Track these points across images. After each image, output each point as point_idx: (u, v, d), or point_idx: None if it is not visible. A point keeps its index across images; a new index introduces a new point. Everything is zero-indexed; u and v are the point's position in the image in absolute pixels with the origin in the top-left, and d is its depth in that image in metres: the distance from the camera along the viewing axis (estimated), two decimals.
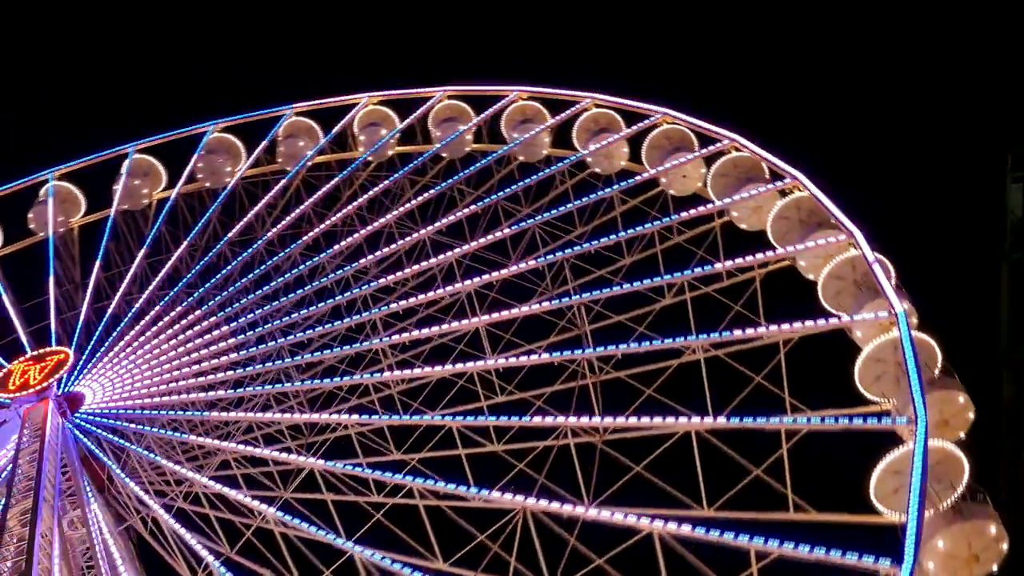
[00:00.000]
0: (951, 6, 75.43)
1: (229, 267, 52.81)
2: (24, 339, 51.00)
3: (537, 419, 41.19)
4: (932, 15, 76.64)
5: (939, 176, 72.57)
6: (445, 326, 46.96)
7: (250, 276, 51.99)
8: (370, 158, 59.82)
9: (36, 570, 37.43)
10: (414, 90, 60.83)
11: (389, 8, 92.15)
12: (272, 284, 51.38)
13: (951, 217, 69.68)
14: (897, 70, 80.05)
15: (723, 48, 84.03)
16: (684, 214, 49.01)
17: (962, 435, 40.01)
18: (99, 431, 45.54)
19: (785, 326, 42.06)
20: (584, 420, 40.66)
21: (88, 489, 44.96)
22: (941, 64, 77.46)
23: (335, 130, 60.83)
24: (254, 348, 48.37)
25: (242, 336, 48.78)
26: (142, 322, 50.27)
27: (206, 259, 53.53)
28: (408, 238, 51.71)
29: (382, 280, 49.95)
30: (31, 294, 55.60)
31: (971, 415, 40.51)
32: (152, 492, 44.27)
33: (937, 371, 40.96)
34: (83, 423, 45.91)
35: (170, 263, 53.81)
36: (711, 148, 51.89)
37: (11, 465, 43.24)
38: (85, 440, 45.38)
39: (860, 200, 51.01)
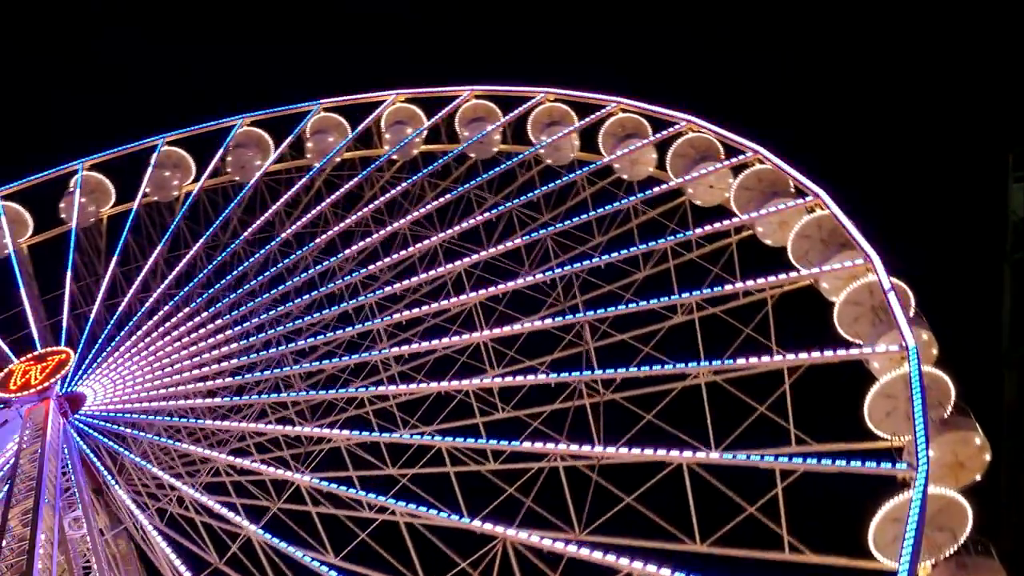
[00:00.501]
0: (952, 8, 74.66)
1: (240, 268, 52.50)
2: (36, 335, 51.09)
3: (527, 444, 39.92)
4: (933, 16, 75.92)
5: (941, 176, 72.04)
6: (447, 339, 46.01)
7: (259, 279, 51.58)
8: (395, 156, 59.08)
9: (37, 570, 37.17)
10: (442, 88, 59.76)
11: (418, 5, 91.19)
12: (282, 287, 50.83)
13: (953, 217, 69.12)
14: (898, 70, 79.36)
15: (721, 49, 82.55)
16: (699, 229, 47.44)
17: (978, 477, 38.15)
18: (97, 434, 45.38)
19: (791, 356, 40.33)
20: (574, 447, 39.43)
21: (88, 489, 44.87)
22: (943, 65, 76.81)
23: (360, 127, 60.09)
24: (256, 354, 47.89)
25: (246, 341, 48.32)
26: (148, 323, 50.07)
27: (220, 258, 53.26)
28: (420, 244, 50.71)
29: (388, 289, 49.06)
30: (59, 284, 55.84)
31: (987, 457, 38.54)
32: (147, 495, 44.15)
33: (950, 409, 39.00)
34: (83, 424, 45.84)
35: (184, 261, 53.62)
36: (736, 159, 50.13)
37: (12, 465, 43.14)
38: (81, 443, 45.24)
39: (860, 200, 50.34)
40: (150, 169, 60.55)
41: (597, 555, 34.41)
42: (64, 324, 51.18)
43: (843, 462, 35.90)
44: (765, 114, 74.77)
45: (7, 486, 42.33)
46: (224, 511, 41.02)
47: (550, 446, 39.53)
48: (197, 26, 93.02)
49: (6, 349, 50.65)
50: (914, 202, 71.47)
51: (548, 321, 45.33)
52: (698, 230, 47.41)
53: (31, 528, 38.87)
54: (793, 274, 43.98)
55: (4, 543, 38.50)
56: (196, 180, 60.90)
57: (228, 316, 49.58)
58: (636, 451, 38.06)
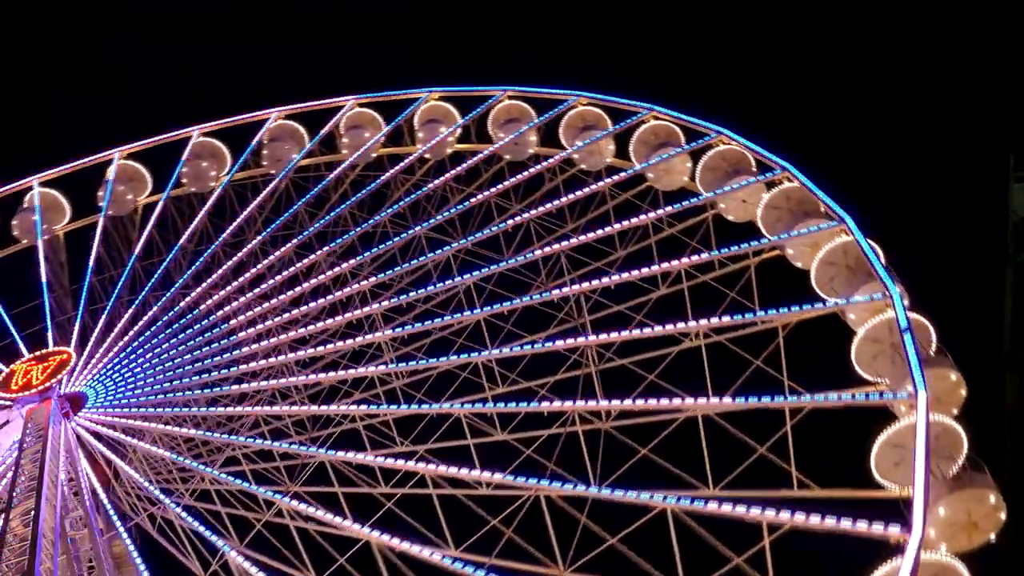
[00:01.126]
0: (953, 7, 73.05)
1: (255, 270, 51.95)
2: (50, 332, 51.32)
3: (509, 478, 38.75)
4: (934, 16, 74.35)
5: (942, 177, 70.71)
6: (447, 358, 45.15)
7: (272, 281, 50.98)
8: (427, 155, 57.85)
9: (39, 570, 37.20)
10: (476, 88, 58.30)
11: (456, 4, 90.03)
12: (291, 292, 50.27)
13: (954, 219, 68.04)
14: (899, 71, 77.65)
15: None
16: (716, 252, 45.29)
17: (992, 538, 35.73)
18: (93, 438, 45.35)
19: (793, 399, 38.42)
20: (556, 485, 38.20)
21: (90, 489, 44.96)
22: (944, 65, 75.09)
23: (395, 122, 59.03)
24: (258, 362, 47.48)
25: (250, 347, 47.94)
26: (157, 323, 49.97)
27: (237, 258, 52.78)
28: (434, 254, 49.58)
29: (396, 300, 48.29)
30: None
31: (1002, 516, 36.03)
32: (136, 499, 44.21)
33: (962, 461, 36.45)
34: (83, 426, 45.86)
35: (201, 259, 53.37)
36: (768, 176, 47.96)
37: (14, 465, 43.32)
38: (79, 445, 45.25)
39: (863, 200, 48.38)
40: (184, 159, 60.25)
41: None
42: (78, 321, 51.24)
43: (833, 520, 33.64)
44: (761, 112, 72.96)
45: (8, 486, 42.57)
46: (202, 529, 40.56)
47: (532, 482, 38.18)
48: (232, 18, 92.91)
49: (19, 343, 50.93)
50: (915, 203, 70.29)
51: (550, 344, 44.19)
52: (714, 252, 45.18)
53: (32, 528, 38.98)
54: (807, 306, 41.58)
55: (6, 543, 38.63)
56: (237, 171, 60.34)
57: (236, 320, 49.13)
58: (619, 492, 36.48)
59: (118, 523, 42.13)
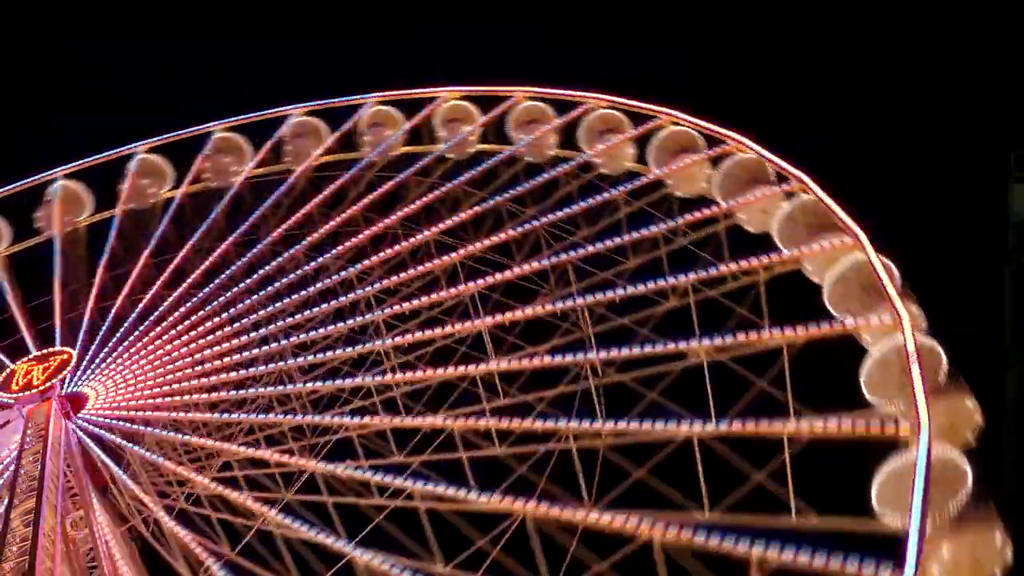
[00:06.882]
0: (953, 7, 72.56)
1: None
2: (58, 331, 51.45)
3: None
4: (934, 16, 73.93)
5: (943, 176, 70.42)
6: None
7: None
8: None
9: (39, 570, 37.48)
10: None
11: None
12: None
13: (955, 217, 67.86)
14: (900, 70, 76.66)
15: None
16: (724, 267, 44.24)
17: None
18: (103, 431, 45.48)
19: (792, 424, 37.06)
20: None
21: (90, 489, 45.08)
22: (944, 65, 74.53)
23: (410, 123, 58.22)
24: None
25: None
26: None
27: (247, 257, 52.79)
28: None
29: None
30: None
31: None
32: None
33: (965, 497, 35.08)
34: (86, 424, 45.94)
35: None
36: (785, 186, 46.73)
37: (14, 465, 43.53)
38: (88, 440, 45.50)
39: (864, 200, 47.63)
40: (203, 154, 59.98)
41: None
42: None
43: (823, 559, 32.71)
44: (759, 108, 71.90)
45: (9, 486, 42.75)
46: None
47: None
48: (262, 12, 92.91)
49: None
50: (915, 202, 69.40)
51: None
52: (722, 266, 44.20)
53: (33, 528, 39.31)
54: (813, 326, 40.48)
55: (7, 543, 38.83)
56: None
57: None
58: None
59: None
